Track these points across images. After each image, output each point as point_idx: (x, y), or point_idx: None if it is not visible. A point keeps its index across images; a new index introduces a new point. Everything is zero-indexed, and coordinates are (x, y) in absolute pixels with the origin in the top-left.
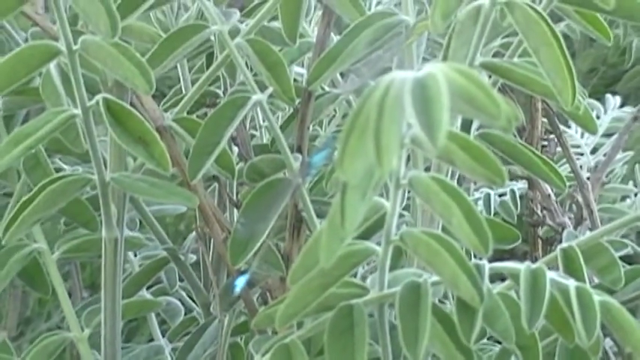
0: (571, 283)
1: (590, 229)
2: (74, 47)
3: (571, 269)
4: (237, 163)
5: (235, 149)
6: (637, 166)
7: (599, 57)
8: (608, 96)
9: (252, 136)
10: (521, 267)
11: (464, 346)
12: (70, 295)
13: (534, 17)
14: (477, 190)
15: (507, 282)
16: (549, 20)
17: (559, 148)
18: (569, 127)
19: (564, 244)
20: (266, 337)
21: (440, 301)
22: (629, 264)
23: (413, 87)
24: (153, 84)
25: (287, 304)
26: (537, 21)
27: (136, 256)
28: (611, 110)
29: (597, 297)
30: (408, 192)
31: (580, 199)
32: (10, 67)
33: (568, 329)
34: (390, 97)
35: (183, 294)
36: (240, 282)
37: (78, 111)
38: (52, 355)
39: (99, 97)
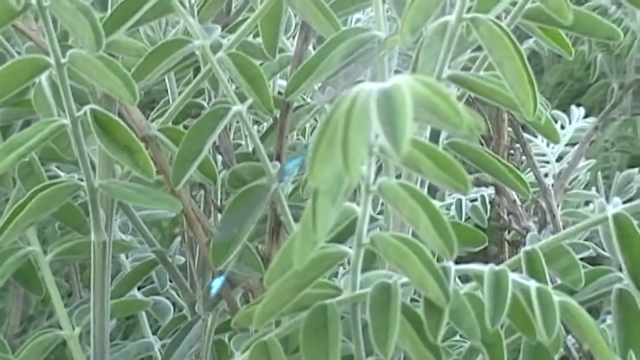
0: (532, 284)
1: (553, 233)
2: (62, 60)
3: (534, 271)
4: (220, 171)
5: (220, 158)
6: (599, 173)
7: (566, 71)
8: (573, 107)
9: (239, 145)
10: (485, 269)
11: (431, 344)
12: (70, 294)
13: (498, 32)
14: (450, 195)
15: (474, 283)
16: (512, 35)
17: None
18: (535, 136)
19: (527, 247)
20: (247, 335)
21: (413, 299)
22: (592, 265)
23: (378, 97)
24: (136, 95)
25: (264, 304)
26: (501, 36)
27: (127, 258)
28: (576, 121)
29: (557, 297)
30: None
31: (543, 204)
32: (2, 79)
33: (530, 327)
34: (356, 108)
35: (174, 294)
36: (217, 283)
37: (67, 121)
38: (45, 351)
39: (87, 107)
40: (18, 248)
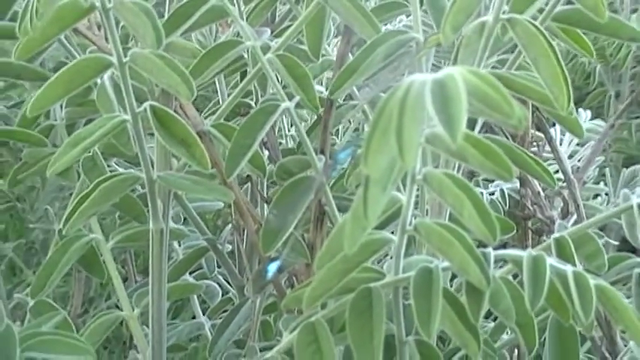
0: (569, 269)
1: (577, 222)
2: (124, 60)
3: (563, 256)
4: (267, 165)
5: (266, 152)
6: (607, 169)
7: None
8: (581, 110)
9: (279, 143)
10: (524, 254)
11: (470, 325)
12: (126, 279)
13: (534, 31)
14: None
15: (507, 267)
16: (546, 34)
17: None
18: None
19: (556, 234)
20: (293, 317)
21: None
22: None
23: (433, 86)
24: (194, 91)
25: (313, 287)
26: (536, 34)
27: (180, 245)
28: (584, 122)
29: (593, 281)
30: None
31: (565, 195)
32: (68, 77)
33: (564, 309)
34: (410, 97)
35: (221, 278)
36: (272, 268)
37: (128, 116)
38: (107, 330)
39: (146, 104)
40: (82, 235)
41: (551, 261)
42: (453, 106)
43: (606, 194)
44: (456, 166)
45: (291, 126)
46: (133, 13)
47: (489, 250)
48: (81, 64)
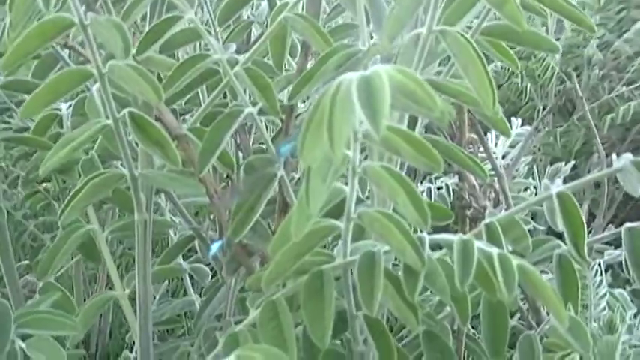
0: (494, 250)
1: (506, 210)
2: (103, 70)
3: (493, 240)
4: (240, 165)
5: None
6: (534, 166)
7: (503, 97)
8: (513, 118)
9: (260, 147)
10: (454, 238)
11: (409, 301)
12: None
13: (463, 42)
14: (421, 184)
15: (443, 250)
16: (474, 44)
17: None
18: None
19: (487, 220)
20: (258, 295)
21: (394, 264)
22: None
23: (359, 82)
24: (162, 96)
25: (270, 269)
26: (465, 45)
27: (175, 234)
28: (515, 129)
29: (515, 261)
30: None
31: (497, 187)
32: (55, 85)
33: (491, 286)
34: (340, 92)
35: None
36: (215, 246)
37: (110, 121)
38: (101, 308)
39: (125, 110)
40: (80, 226)
41: (479, 244)
42: (377, 100)
43: (534, 187)
44: (399, 162)
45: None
46: (105, 27)
47: (424, 234)
48: (66, 74)
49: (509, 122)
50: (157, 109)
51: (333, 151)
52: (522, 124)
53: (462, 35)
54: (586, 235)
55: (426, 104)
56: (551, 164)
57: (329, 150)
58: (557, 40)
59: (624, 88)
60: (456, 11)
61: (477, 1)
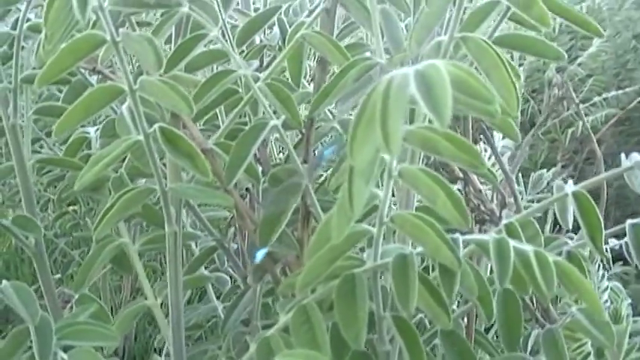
0: (529, 248)
1: (516, 212)
2: (134, 87)
3: (512, 238)
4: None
5: (260, 168)
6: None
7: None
8: (494, 132)
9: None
10: (489, 238)
11: (441, 300)
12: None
13: (485, 46)
14: None
15: (466, 249)
16: (496, 48)
17: None
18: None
19: (505, 220)
20: (288, 300)
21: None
22: None
23: (416, 76)
24: (193, 108)
25: (304, 274)
26: (487, 49)
27: (196, 246)
28: (500, 140)
29: (551, 257)
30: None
31: (502, 191)
32: (87, 103)
33: (522, 284)
34: (393, 87)
35: (230, 271)
36: (260, 254)
37: (141, 137)
38: (136, 317)
39: (156, 125)
40: (113, 240)
41: (513, 243)
42: (439, 91)
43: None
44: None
45: (279, 152)
46: (137, 41)
47: (457, 236)
48: (97, 91)
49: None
50: (184, 126)
51: (388, 147)
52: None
53: (483, 40)
54: (603, 230)
55: (484, 97)
56: (519, 173)
57: (381, 147)
58: (521, 65)
59: (581, 105)
60: (473, 20)
61: (492, 11)
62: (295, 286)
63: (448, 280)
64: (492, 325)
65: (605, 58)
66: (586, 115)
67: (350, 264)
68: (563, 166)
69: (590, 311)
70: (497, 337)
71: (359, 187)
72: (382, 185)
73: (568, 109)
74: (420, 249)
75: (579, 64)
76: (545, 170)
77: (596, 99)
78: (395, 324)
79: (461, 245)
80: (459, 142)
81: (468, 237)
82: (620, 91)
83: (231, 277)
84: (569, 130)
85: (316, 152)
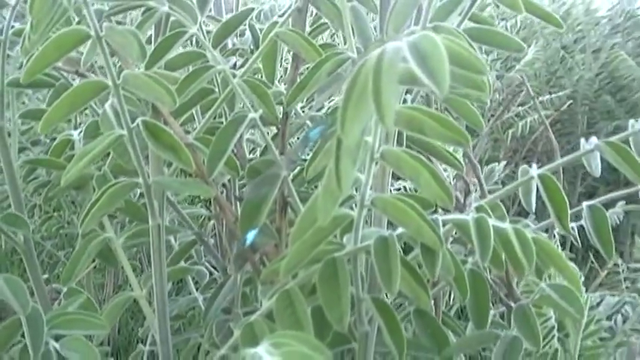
0: (508, 225)
1: (481, 197)
2: (117, 82)
3: None
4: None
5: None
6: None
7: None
8: None
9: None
10: (468, 217)
11: (421, 281)
12: (142, 271)
13: (455, 33)
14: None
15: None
16: (465, 36)
17: None
18: None
19: (475, 204)
20: (269, 287)
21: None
22: None
23: (410, 47)
24: (177, 100)
25: (289, 259)
26: (458, 36)
27: (176, 241)
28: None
29: (530, 234)
30: None
31: (466, 179)
32: (72, 99)
33: (499, 261)
34: (385, 59)
35: (207, 264)
36: (251, 235)
37: (124, 131)
38: (123, 307)
39: (138, 119)
40: (98, 235)
41: (492, 221)
42: (435, 60)
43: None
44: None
45: (249, 152)
46: (121, 34)
47: (436, 216)
48: (82, 87)
49: None
50: (165, 122)
51: (382, 119)
52: None
53: (453, 28)
54: (568, 210)
55: (476, 67)
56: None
57: (376, 118)
58: None
59: (519, 108)
60: (441, 12)
61: (459, 3)
62: (278, 272)
63: (430, 259)
64: (451, 307)
65: (537, 66)
66: (523, 117)
67: (331, 248)
68: (506, 164)
69: (560, 286)
70: (459, 317)
71: (346, 166)
72: (364, 168)
73: (509, 112)
74: (398, 231)
75: (516, 71)
76: (496, 164)
77: (531, 103)
78: (375, 305)
79: (441, 225)
80: (445, 121)
81: (446, 217)
82: (553, 95)
83: (208, 271)
84: (510, 131)
85: (301, 136)
